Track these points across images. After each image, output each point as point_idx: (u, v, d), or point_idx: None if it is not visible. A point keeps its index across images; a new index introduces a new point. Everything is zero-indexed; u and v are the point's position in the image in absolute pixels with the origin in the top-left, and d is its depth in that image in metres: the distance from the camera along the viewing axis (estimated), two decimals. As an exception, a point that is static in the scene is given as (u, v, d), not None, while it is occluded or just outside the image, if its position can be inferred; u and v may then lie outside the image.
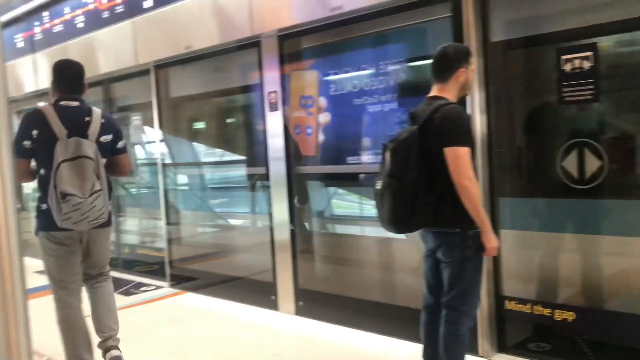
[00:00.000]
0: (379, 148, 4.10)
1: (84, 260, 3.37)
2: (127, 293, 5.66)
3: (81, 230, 3.18)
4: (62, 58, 3.61)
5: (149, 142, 6.49)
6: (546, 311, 3.30)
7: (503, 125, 3.54)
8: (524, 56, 3.62)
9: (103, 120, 3.30)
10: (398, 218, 2.70)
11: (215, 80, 5.71)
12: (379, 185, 2.77)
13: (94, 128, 3.23)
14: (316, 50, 4.58)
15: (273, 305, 4.73)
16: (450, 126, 2.66)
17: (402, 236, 4.17)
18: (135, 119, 6.34)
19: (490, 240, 2.69)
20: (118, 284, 6.02)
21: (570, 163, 3.17)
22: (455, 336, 2.80)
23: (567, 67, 3.05)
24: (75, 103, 3.30)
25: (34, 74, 7.20)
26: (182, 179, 6.22)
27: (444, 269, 2.81)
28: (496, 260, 3.46)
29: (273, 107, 4.60)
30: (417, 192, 2.66)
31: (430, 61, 2.90)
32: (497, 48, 3.46)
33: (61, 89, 3.35)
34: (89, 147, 3.11)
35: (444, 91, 2.80)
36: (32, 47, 7.14)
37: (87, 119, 3.25)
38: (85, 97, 3.44)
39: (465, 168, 2.62)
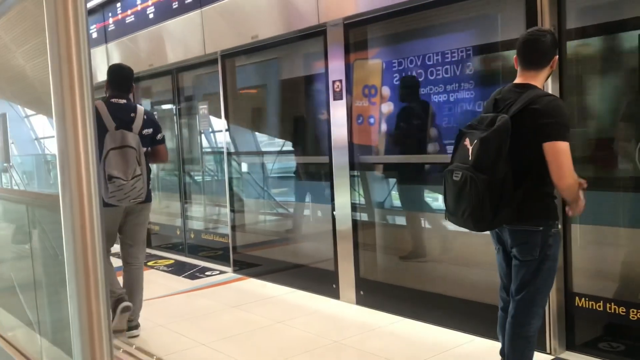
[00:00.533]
0: (445, 138, 4.08)
1: (122, 231, 4.02)
2: (192, 277, 5.82)
3: (124, 205, 3.82)
4: (116, 63, 4.33)
5: (215, 131, 6.63)
6: (620, 310, 3.17)
7: (577, 117, 3.41)
8: (601, 44, 3.46)
9: (145, 117, 3.95)
10: (482, 215, 2.53)
11: (281, 70, 5.76)
12: (457, 176, 2.59)
13: (138, 123, 3.87)
14: (382, 39, 4.53)
15: (334, 293, 4.75)
16: (552, 119, 2.48)
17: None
18: (202, 108, 6.48)
19: (580, 205, 2.63)
20: (184, 268, 6.22)
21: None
22: (524, 338, 2.69)
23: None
24: (124, 101, 3.94)
25: (107, 64, 7.48)
26: (246, 167, 6.32)
27: (519, 267, 2.66)
28: (566, 256, 3.35)
29: (337, 96, 4.59)
30: (504, 187, 2.51)
31: (509, 51, 2.79)
32: (572, 35, 3.32)
33: (113, 88, 3.95)
34: (133, 139, 3.74)
35: (535, 79, 2.63)
36: (105, 37, 7.41)
37: (132, 114, 3.89)
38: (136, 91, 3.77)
39: (568, 165, 2.47)
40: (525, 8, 3.37)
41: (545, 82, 2.76)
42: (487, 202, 2.50)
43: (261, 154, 6.33)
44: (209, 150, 6.96)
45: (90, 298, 1.40)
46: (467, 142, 2.63)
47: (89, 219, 1.41)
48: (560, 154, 2.46)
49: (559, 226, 2.66)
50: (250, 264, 5.79)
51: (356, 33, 4.51)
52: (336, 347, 3.77)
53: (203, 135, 6.89)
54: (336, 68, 4.58)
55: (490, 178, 2.48)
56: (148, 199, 3.94)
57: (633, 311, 3.12)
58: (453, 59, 3.97)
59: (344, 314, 4.44)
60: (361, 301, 4.55)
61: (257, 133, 6.37)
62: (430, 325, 4.00)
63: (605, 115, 3.48)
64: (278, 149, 6.29)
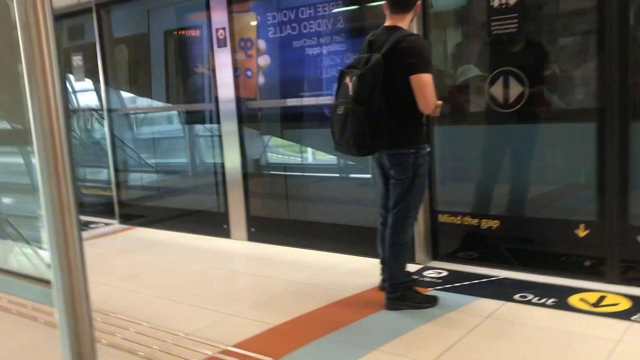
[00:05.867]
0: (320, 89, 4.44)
1: None
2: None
3: None
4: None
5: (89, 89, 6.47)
6: (474, 221, 3.80)
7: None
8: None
9: None
10: (362, 141, 2.96)
11: (159, 21, 5.78)
12: (340, 110, 3.00)
13: None
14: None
15: (225, 233, 5.03)
16: (417, 55, 2.92)
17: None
18: (77, 59, 6.30)
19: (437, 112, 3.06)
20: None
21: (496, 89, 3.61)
22: (401, 244, 3.19)
23: (496, 3, 3.45)
24: None
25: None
26: (132, 125, 6.30)
27: (395, 185, 3.14)
28: (430, 180, 3.89)
29: (221, 44, 4.78)
30: (380, 116, 2.93)
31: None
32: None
33: None
34: None
35: (402, 21, 3.05)
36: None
37: None
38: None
39: (431, 93, 2.93)
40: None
41: (411, 24, 3.20)
42: (367, 130, 2.94)
43: (149, 110, 6.31)
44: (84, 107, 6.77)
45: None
46: (347, 80, 3.04)
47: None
48: (424, 85, 2.93)
49: (428, 148, 3.15)
50: (136, 215, 5.86)
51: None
52: (234, 275, 4.09)
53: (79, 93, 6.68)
54: (219, 17, 4.76)
55: (368, 109, 2.92)
56: None
57: (484, 221, 3.76)
58: (326, 13, 4.30)
59: (238, 249, 4.75)
60: (253, 237, 4.88)
61: (139, 88, 6.34)
62: (319, 251, 4.42)
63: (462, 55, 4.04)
64: (164, 104, 6.30)
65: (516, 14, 3.41)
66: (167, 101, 6.09)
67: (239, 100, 4.82)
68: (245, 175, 4.89)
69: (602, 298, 3.14)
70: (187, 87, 5.73)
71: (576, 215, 3.49)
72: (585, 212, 3.44)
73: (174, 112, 6.28)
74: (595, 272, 3.38)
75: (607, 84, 3.21)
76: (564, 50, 3.53)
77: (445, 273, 3.73)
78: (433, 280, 3.62)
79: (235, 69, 4.78)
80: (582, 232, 3.41)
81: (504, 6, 3.43)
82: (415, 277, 3.61)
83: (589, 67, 3.36)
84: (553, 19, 3.56)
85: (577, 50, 3.49)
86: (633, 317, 2.89)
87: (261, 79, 4.82)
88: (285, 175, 5.16)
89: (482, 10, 3.59)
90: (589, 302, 3.11)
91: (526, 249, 3.72)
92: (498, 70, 3.56)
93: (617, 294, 3.17)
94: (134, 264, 4.49)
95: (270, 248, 4.64)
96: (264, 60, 4.79)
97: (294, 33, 4.51)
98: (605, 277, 3.34)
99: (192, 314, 3.34)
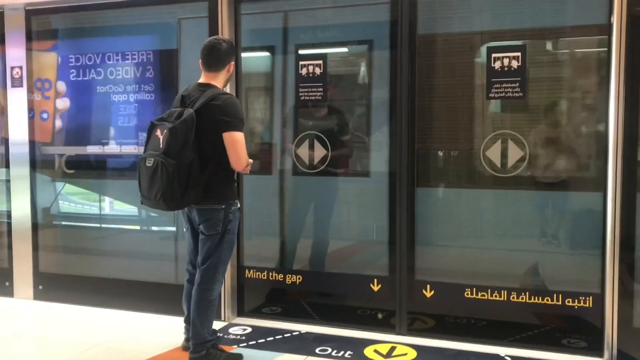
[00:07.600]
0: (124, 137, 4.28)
1: None
2: None
3: None
4: None
5: None
6: (279, 277, 3.89)
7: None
8: (269, 60, 4.20)
9: None
10: (172, 195, 2.88)
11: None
12: (150, 162, 2.91)
13: None
14: (64, 32, 4.51)
15: (7, 292, 4.49)
16: (230, 113, 2.96)
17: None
18: None
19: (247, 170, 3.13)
20: None
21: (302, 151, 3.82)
22: (208, 301, 3.12)
23: (304, 72, 3.70)
24: None
25: None
26: None
27: (205, 240, 3.10)
28: (239, 235, 3.93)
29: (17, 83, 4.39)
30: (191, 171, 2.91)
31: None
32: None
33: None
34: None
35: (215, 79, 3.10)
36: None
37: None
38: None
39: (243, 152, 2.99)
40: (209, 22, 3.86)
41: (226, 83, 3.27)
42: (177, 184, 2.89)
43: None
44: None
45: None
46: (158, 132, 2.98)
47: None
48: (236, 143, 2.99)
49: (238, 204, 3.19)
50: None
51: (39, 21, 4.40)
52: (14, 339, 3.63)
53: None
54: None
55: (179, 162, 2.88)
56: None
57: (288, 277, 3.88)
58: (136, 62, 4.22)
59: (23, 309, 4.26)
60: (40, 296, 4.42)
61: None
62: (118, 310, 4.17)
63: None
64: None
65: (321, 83, 3.68)
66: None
67: (32, 143, 4.43)
68: (35, 226, 4.47)
69: (393, 349, 3.41)
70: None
71: (371, 270, 3.77)
72: (378, 267, 3.74)
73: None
74: (387, 324, 3.66)
75: (397, 151, 3.58)
76: (361, 118, 3.89)
77: (249, 330, 3.74)
78: (237, 337, 3.60)
79: (30, 110, 4.42)
80: (375, 287, 3.69)
81: (311, 75, 3.69)
82: (220, 334, 3.56)
83: (383, 135, 3.72)
84: (353, 90, 3.92)
85: (374, 119, 3.86)
86: (419, 365, 3.17)
87: (58, 123, 4.50)
88: (81, 227, 4.79)
89: (292, 77, 3.81)
90: (382, 353, 3.34)
91: (326, 303, 3.91)
92: (304, 134, 3.79)
93: (406, 345, 3.46)
94: None
95: (61, 307, 4.24)
96: (62, 103, 4.50)
97: (98, 78, 4.32)
98: (396, 329, 3.63)
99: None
